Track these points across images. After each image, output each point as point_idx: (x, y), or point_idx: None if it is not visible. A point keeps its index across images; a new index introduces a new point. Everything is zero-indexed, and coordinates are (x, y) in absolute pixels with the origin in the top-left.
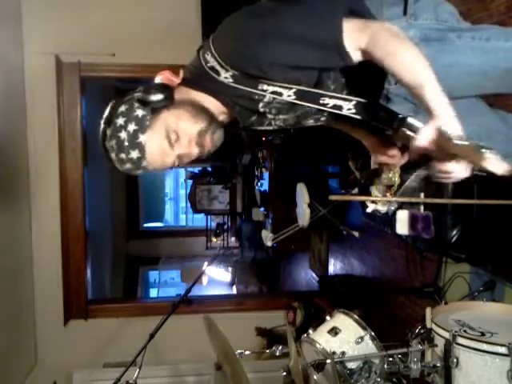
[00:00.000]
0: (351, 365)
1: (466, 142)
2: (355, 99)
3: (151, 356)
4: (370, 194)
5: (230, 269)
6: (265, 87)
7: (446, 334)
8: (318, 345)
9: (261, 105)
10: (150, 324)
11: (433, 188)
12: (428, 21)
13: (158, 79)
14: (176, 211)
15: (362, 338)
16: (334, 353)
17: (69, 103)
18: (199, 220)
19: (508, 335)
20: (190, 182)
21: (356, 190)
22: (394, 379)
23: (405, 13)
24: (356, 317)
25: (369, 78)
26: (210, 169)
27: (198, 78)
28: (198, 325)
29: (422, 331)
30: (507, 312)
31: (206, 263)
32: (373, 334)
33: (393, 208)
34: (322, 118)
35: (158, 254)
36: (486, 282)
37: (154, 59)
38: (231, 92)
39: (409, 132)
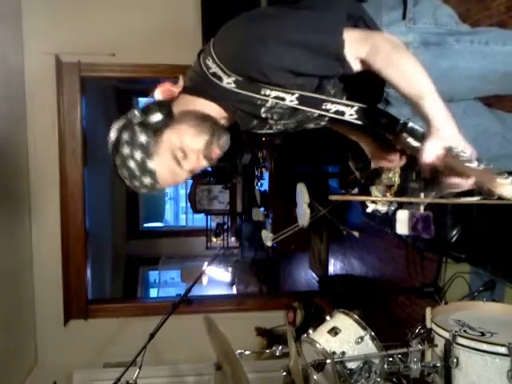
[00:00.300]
0: (351, 365)
1: (479, 167)
2: (357, 105)
3: (151, 356)
4: (370, 194)
5: (230, 269)
6: (267, 92)
7: (446, 334)
8: (318, 345)
9: (263, 110)
10: (149, 324)
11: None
12: (427, 25)
13: (157, 93)
14: (176, 211)
15: (361, 337)
16: (334, 353)
17: (69, 103)
18: (199, 220)
19: (508, 335)
20: (189, 181)
21: (356, 190)
22: (394, 379)
23: (404, 17)
24: (356, 317)
25: (368, 82)
26: (209, 169)
27: (200, 85)
28: (198, 325)
29: (422, 331)
30: (507, 312)
31: (205, 263)
32: (373, 333)
33: (393, 208)
34: (323, 123)
35: (157, 254)
36: (486, 281)
37: (153, 59)
38: (233, 97)
39: (410, 139)
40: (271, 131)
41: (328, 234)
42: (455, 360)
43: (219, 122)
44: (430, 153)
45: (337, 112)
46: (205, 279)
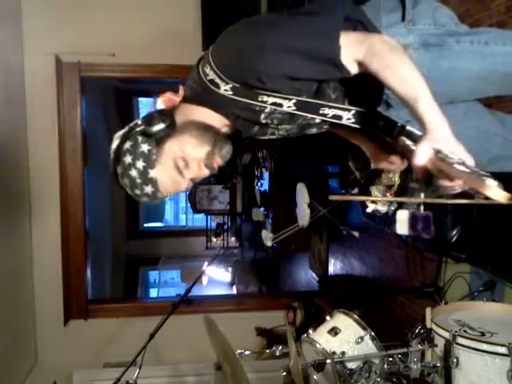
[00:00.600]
0: (351, 365)
1: (467, 170)
2: (354, 109)
3: (151, 356)
4: (370, 194)
5: (230, 269)
6: (265, 98)
7: (446, 334)
8: (318, 345)
9: (262, 116)
10: (149, 324)
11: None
12: (426, 26)
13: (159, 102)
14: (176, 211)
15: (362, 337)
16: (334, 353)
17: (69, 103)
18: (199, 220)
19: (508, 335)
20: None
21: (356, 190)
22: (394, 379)
23: (403, 19)
24: (356, 317)
25: (369, 85)
26: None
27: (199, 94)
28: (198, 325)
29: (422, 331)
30: (507, 312)
31: (206, 263)
32: (373, 334)
33: (393, 208)
34: (325, 126)
35: (157, 254)
36: (486, 281)
37: (153, 59)
38: (232, 105)
39: (408, 141)
40: (274, 137)
41: (328, 234)
42: (455, 360)
43: (221, 132)
44: (422, 155)
45: (334, 116)
46: (205, 279)
